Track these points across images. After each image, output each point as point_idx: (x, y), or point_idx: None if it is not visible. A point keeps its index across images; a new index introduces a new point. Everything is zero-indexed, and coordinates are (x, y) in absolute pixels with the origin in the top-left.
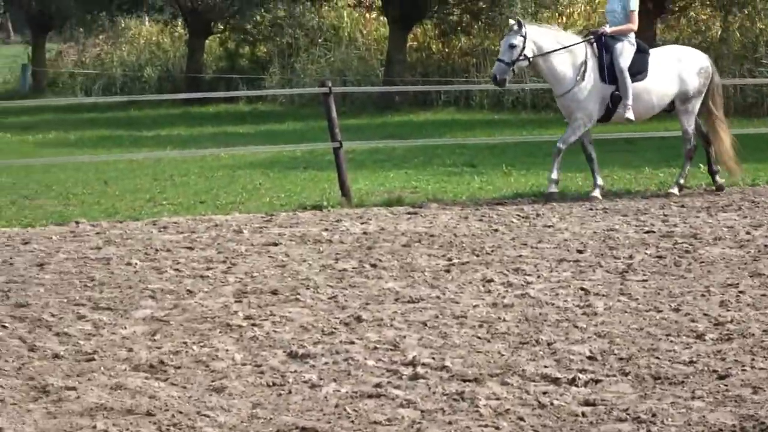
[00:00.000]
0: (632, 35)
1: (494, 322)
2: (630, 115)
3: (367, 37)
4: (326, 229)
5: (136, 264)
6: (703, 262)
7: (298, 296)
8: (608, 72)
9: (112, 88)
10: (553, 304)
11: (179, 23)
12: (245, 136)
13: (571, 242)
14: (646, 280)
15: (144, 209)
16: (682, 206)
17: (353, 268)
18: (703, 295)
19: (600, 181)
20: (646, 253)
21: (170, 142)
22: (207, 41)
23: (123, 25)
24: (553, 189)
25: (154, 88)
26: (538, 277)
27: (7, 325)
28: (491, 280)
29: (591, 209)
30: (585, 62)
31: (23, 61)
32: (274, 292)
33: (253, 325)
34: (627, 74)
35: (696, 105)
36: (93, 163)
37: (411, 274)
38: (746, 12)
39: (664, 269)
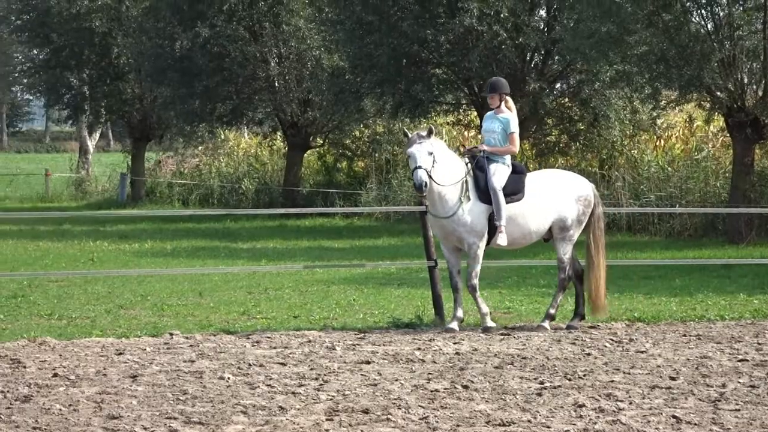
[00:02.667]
0: (508, 158)
1: None
2: (502, 239)
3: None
4: (419, 348)
5: (228, 378)
6: None
7: (389, 416)
8: (484, 191)
9: (209, 199)
10: None
11: (278, 136)
12: (340, 251)
13: (664, 368)
14: (738, 410)
15: (238, 322)
16: None
17: (445, 388)
18: None
19: (460, 314)
20: (739, 382)
21: (265, 255)
22: (305, 155)
23: (222, 136)
24: (489, 322)
25: (251, 201)
26: (630, 403)
27: None
28: (583, 405)
29: (684, 335)
30: (465, 182)
31: (122, 170)
32: (366, 411)
33: None
34: (501, 194)
35: (575, 234)
36: (188, 275)
37: (503, 397)
38: None
39: (757, 399)
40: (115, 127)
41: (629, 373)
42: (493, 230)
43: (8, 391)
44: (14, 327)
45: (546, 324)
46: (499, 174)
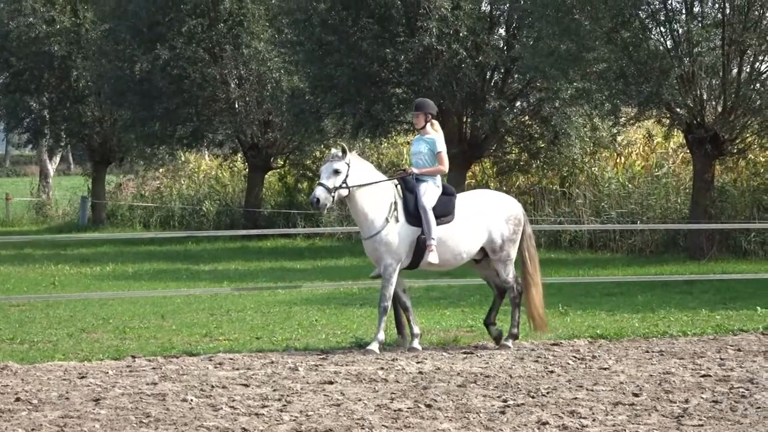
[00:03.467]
0: (438, 178)
1: None
2: (433, 258)
3: None
4: (382, 368)
5: (191, 400)
6: (759, 407)
7: None
8: (413, 214)
9: (170, 222)
10: None
11: (239, 158)
12: (302, 271)
13: (627, 385)
14: (702, 425)
15: (200, 344)
16: (739, 350)
17: (408, 408)
18: None
19: (417, 330)
20: (702, 398)
21: (227, 277)
22: (266, 176)
23: (183, 158)
24: (375, 348)
25: (212, 222)
26: (594, 420)
27: None
28: (546, 423)
29: (647, 351)
30: (395, 203)
31: (83, 193)
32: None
33: None
34: (431, 213)
35: (511, 253)
36: (150, 297)
37: (466, 415)
38: None
39: (720, 414)
40: (76, 151)
41: (592, 390)
42: (421, 251)
43: None
44: None
45: (509, 343)
46: (429, 194)
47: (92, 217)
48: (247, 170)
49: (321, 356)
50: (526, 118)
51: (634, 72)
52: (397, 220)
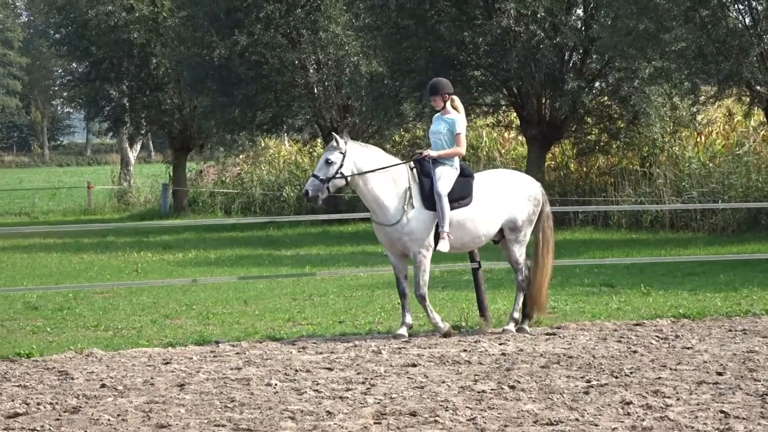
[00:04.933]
0: (456, 160)
1: None
2: (444, 246)
3: (506, 156)
4: (465, 350)
5: (275, 384)
6: None
7: (437, 418)
8: (429, 198)
9: (251, 207)
10: (692, 427)
11: (318, 143)
12: (383, 255)
13: (711, 364)
14: None
15: (283, 329)
16: None
17: (492, 389)
18: None
19: (409, 320)
20: None
21: (309, 262)
22: None
23: (263, 144)
24: (448, 330)
25: (293, 208)
26: (678, 399)
27: None
28: (630, 403)
29: (730, 330)
30: (409, 188)
31: (164, 181)
32: (413, 414)
33: None
34: (445, 199)
35: (527, 234)
36: (232, 283)
37: (550, 396)
38: None
39: None
40: (156, 138)
41: (676, 370)
42: (438, 236)
43: (57, 403)
44: (61, 339)
45: (511, 327)
46: (445, 178)
47: (174, 204)
48: None
49: (404, 339)
50: (605, 98)
51: (713, 50)
52: (413, 206)
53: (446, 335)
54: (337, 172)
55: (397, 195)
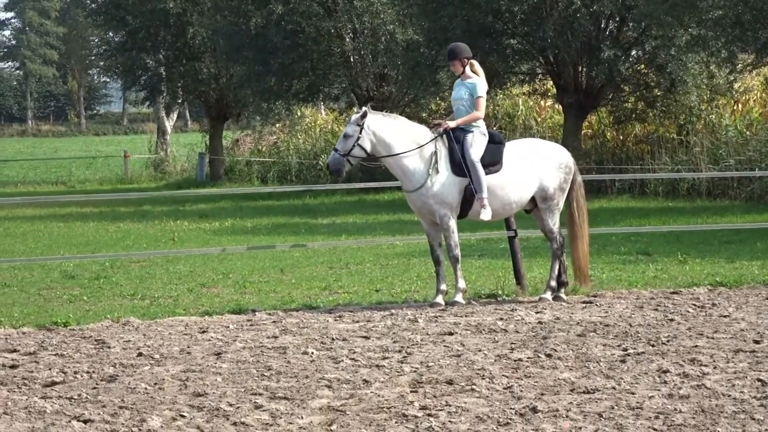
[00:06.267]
0: (483, 125)
1: (670, 413)
2: (486, 215)
3: (542, 124)
4: (501, 318)
5: (312, 353)
6: None
7: (473, 386)
8: (460, 164)
9: (287, 176)
10: (729, 396)
11: (354, 111)
12: (419, 224)
13: (748, 332)
14: None
15: (320, 298)
16: None
17: (528, 357)
18: None
19: (444, 287)
20: None
21: (345, 230)
22: None
23: (299, 113)
24: (459, 298)
25: (329, 176)
26: (715, 367)
27: (185, 414)
28: (667, 371)
29: (767, 299)
30: (435, 153)
31: (200, 150)
32: (450, 382)
33: (429, 415)
34: (479, 166)
35: (560, 202)
36: (269, 251)
37: (586, 364)
38: None
39: None
40: (192, 107)
41: (713, 338)
42: (467, 203)
43: (94, 371)
44: (98, 308)
45: (548, 295)
46: (477, 145)
47: (210, 172)
48: None
49: (440, 308)
50: (642, 66)
51: (750, 18)
52: (437, 171)
53: (453, 305)
54: (354, 146)
55: (422, 160)
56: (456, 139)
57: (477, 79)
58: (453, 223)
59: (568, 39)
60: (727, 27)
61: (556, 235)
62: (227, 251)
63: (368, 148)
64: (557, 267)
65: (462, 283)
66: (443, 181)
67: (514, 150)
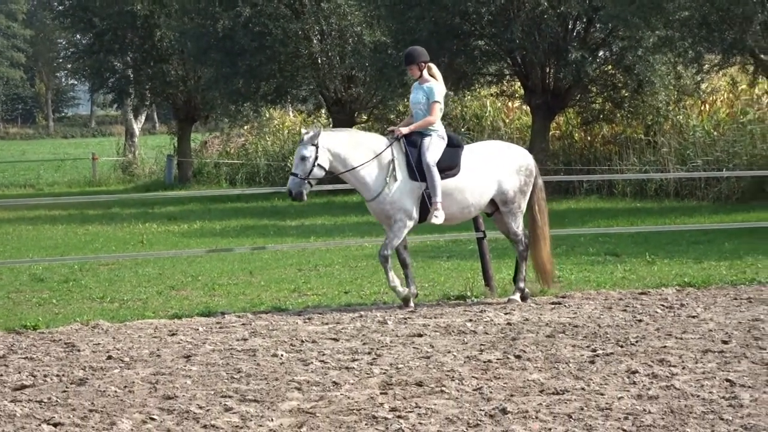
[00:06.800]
0: (442, 128)
1: (639, 414)
2: (438, 218)
3: (510, 125)
4: (470, 320)
5: (282, 355)
6: None
7: (443, 388)
8: (417, 169)
9: (256, 178)
10: (698, 396)
11: (323, 113)
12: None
13: (716, 332)
14: None
15: (289, 300)
16: None
17: (498, 359)
18: None
19: (414, 289)
20: None
21: (314, 232)
22: None
23: (267, 115)
24: (407, 294)
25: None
26: (683, 368)
27: (155, 417)
28: (636, 372)
29: (735, 299)
30: (392, 160)
31: (168, 152)
32: (420, 384)
33: (399, 417)
34: (435, 170)
35: (522, 205)
36: (238, 254)
37: (556, 365)
38: None
39: None
40: (160, 110)
41: (681, 338)
42: (427, 206)
43: (63, 375)
44: (67, 311)
45: (516, 297)
46: (434, 148)
47: (178, 175)
48: (331, 125)
49: (409, 309)
50: (610, 67)
51: (717, 19)
52: (395, 179)
53: (405, 300)
54: (313, 166)
55: (380, 168)
56: (413, 144)
57: (434, 83)
58: (404, 232)
59: (535, 40)
60: (694, 28)
61: (521, 237)
62: (187, 254)
63: (327, 166)
64: (524, 268)
65: (395, 281)
66: (402, 187)
67: (473, 153)
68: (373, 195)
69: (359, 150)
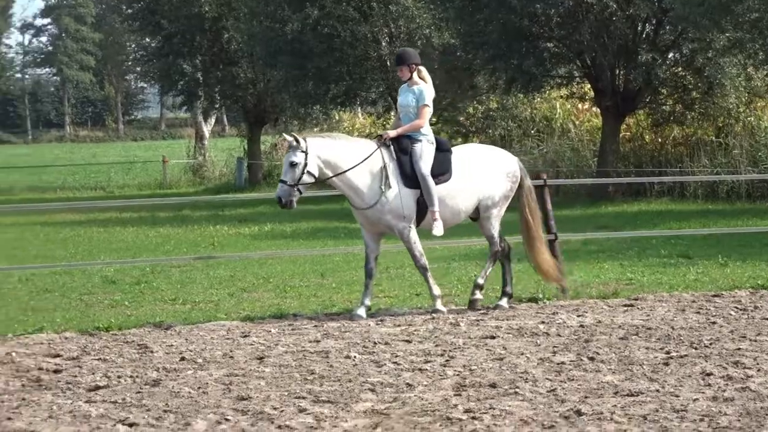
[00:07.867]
0: (431, 133)
1: (715, 416)
2: (437, 228)
3: (580, 127)
4: (543, 322)
5: (354, 357)
6: None
7: (517, 389)
8: (410, 176)
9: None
10: None
11: (392, 116)
12: (462, 227)
13: None
14: None
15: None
16: None
17: (571, 361)
18: None
19: (368, 302)
20: None
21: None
22: None
23: (337, 117)
24: (439, 305)
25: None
26: (758, 370)
27: (230, 417)
28: (711, 374)
29: None
30: (384, 167)
31: (239, 154)
32: (493, 385)
33: (473, 418)
34: (430, 179)
35: (502, 210)
36: (309, 256)
37: (629, 367)
38: None
39: None
40: (230, 112)
41: (755, 341)
42: (422, 212)
43: (137, 376)
44: (139, 313)
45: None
46: (425, 156)
47: (249, 177)
48: None
49: (482, 311)
50: (680, 69)
51: None
52: (389, 186)
53: (435, 312)
54: (303, 173)
55: (371, 176)
56: (404, 149)
57: (424, 85)
58: (413, 234)
59: (604, 42)
60: (764, 29)
61: (496, 239)
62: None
63: (316, 172)
64: (490, 268)
65: (437, 290)
66: (397, 194)
67: (460, 157)
68: (369, 203)
69: (349, 155)
